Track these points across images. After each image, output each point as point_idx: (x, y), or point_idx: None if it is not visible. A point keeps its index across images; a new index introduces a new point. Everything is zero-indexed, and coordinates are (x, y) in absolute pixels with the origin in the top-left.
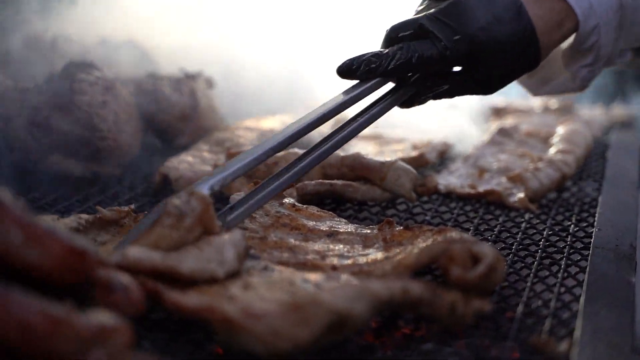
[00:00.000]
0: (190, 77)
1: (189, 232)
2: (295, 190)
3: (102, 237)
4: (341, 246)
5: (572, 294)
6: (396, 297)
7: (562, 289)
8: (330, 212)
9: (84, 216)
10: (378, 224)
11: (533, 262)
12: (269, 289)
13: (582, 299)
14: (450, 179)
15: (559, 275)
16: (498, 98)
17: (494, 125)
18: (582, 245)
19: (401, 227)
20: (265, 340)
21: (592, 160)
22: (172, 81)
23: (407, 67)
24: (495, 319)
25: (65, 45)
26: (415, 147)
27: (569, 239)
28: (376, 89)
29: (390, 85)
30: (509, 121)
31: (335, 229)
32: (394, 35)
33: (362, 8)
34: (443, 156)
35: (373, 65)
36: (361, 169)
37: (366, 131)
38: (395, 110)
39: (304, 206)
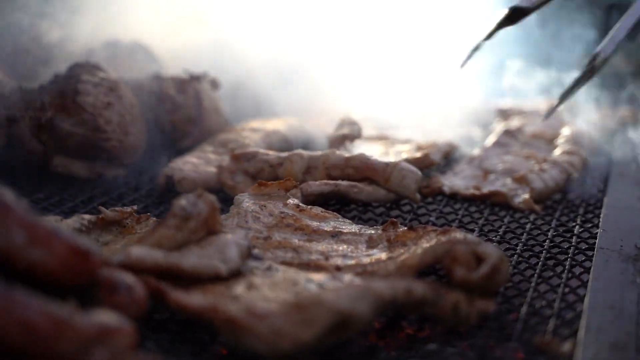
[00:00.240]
0: (195, 79)
1: (193, 234)
2: (299, 190)
3: (104, 237)
4: (345, 246)
5: (577, 295)
6: (400, 297)
7: (567, 290)
8: (334, 213)
9: (87, 217)
10: (382, 225)
11: (537, 263)
12: (273, 289)
13: (586, 300)
14: (455, 180)
15: (563, 275)
16: (503, 100)
17: (499, 126)
18: (587, 246)
19: (405, 228)
20: (268, 340)
21: (597, 162)
22: (176, 82)
23: None
24: (500, 319)
25: (70, 46)
26: (420, 148)
27: (573, 240)
28: None
29: None
30: (514, 123)
31: (339, 230)
32: None
33: (367, 11)
34: (448, 157)
35: None
36: (366, 169)
37: (372, 132)
38: (401, 111)
39: (308, 207)
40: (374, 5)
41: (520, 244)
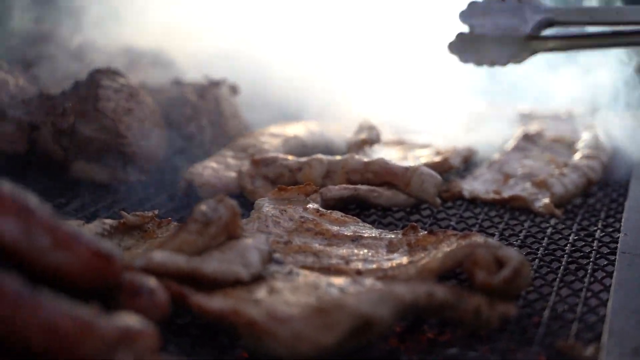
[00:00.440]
0: (215, 84)
1: (214, 239)
2: (319, 195)
3: (126, 241)
4: (365, 251)
5: (599, 299)
6: (421, 301)
7: (589, 294)
8: (354, 217)
9: (108, 221)
10: (402, 229)
11: (559, 267)
12: (294, 293)
13: (609, 304)
14: (475, 185)
15: (585, 280)
16: (523, 104)
17: (519, 131)
18: (609, 250)
19: (425, 232)
20: (289, 344)
21: (618, 165)
22: (196, 88)
23: None
24: (521, 323)
25: (91, 52)
26: (439, 153)
27: (595, 244)
28: None
29: None
30: (533, 127)
31: (360, 234)
32: None
33: (385, 16)
34: (467, 162)
35: None
36: (385, 174)
37: (390, 137)
38: (419, 115)
39: (328, 211)
40: (393, 10)
41: (541, 248)
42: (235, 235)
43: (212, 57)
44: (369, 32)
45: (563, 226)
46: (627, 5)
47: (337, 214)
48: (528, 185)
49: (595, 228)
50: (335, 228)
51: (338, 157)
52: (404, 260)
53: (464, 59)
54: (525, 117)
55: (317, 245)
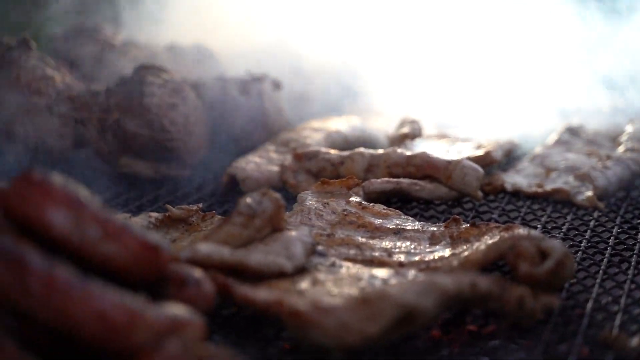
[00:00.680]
0: (257, 80)
1: (258, 231)
2: (361, 188)
3: (171, 234)
4: (408, 243)
5: None
6: (464, 292)
7: (633, 286)
8: (396, 210)
9: (154, 214)
10: (444, 222)
11: (602, 260)
12: (337, 285)
13: None
14: (517, 178)
15: (629, 272)
16: (565, 98)
17: (562, 124)
18: None
19: (468, 225)
20: (335, 334)
21: None
22: (239, 83)
23: None
24: (565, 314)
25: (135, 49)
26: (481, 146)
27: (639, 237)
28: None
29: None
30: (576, 120)
31: (402, 227)
32: None
33: (426, 12)
34: (509, 155)
35: None
36: (427, 167)
37: (432, 131)
38: (461, 109)
39: (371, 204)
40: (433, 6)
41: (584, 241)
42: (279, 227)
43: (254, 53)
44: (411, 27)
45: (606, 219)
46: None
47: (379, 207)
48: (571, 178)
49: (639, 221)
50: (377, 221)
51: (380, 151)
52: (447, 252)
53: None
54: (568, 111)
55: (359, 238)
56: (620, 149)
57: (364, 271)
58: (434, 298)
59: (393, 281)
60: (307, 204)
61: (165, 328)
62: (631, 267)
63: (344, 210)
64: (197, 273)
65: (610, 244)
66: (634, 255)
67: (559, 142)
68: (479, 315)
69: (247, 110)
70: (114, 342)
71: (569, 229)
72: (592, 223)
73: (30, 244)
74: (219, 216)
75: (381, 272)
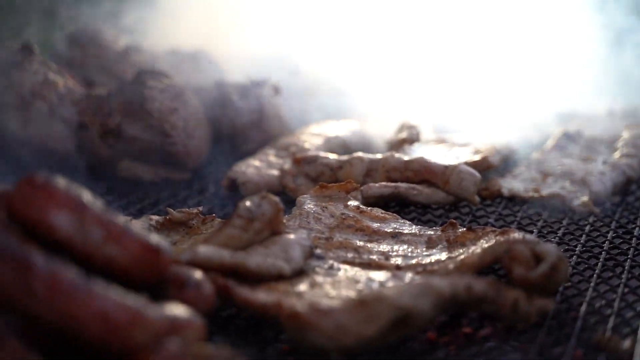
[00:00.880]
0: (257, 85)
1: (257, 234)
2: (360, 192)
3: (172, 237)
4: (405, 247)
5: (636, 295)
6: (460, 294)
7: (626, 290)
8: (394, 214)
9: (155, 217)
10: (441, 226)
11: (597, 264)
12: (335, 287)
13: None
14: (514, 183)
15: (623, 276)
16: (562, 103)
17: (558, 130)
18: None
19: (464, 229)
20: (332, 336)
21: None
22: (239, 88)
23: None
24: (559, 317)
25: (137, 54)
26: (478, 151)
27: (633, 242)
28: None
29: None
30: (573, 126)
31: (399, 231)
32: None
33: (424, 18)
34: (507, 160)
35: None
36: (425, 172)
37: (430, 136)
38: (459, 113)
39: (369, 208)
40: (432, 12)
41: (579, 245)
42: (278, 230)
43: (254, 58)
44: (409, 33)
45: (601, 224)
46: None
47: (377, 211)
48: (567, 183)
49: (634, 226)
50: (375, 225)
51: (378, 156)
52: (443, 256)
53: None
54: (565, 116)
55: (357, 241)
56: (616, 154)
57: (362, 274)
58: (430, 300)
59: (390, 284)
60: (306, 207)
61: (166, 328)
62: (625, 271)
63: (342, 214)
64: (197, 275)
65: (604, 248)
66: (628, 260)
67: (556, 148)
68: (475, 317)
69: (247, 114)
70: (116, 341)
71: (564, 234)
72: (587, 228)
73: (34, 246)
74: (219, 219)
75: (378, 275)
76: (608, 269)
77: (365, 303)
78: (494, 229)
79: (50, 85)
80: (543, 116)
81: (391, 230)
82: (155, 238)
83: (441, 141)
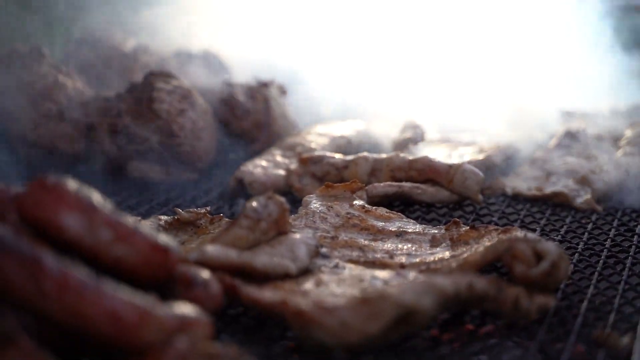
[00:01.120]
0: (264, 85)
1: (264, 234)
2: (365, 192)
3: (180, 237)
4: (409, 245)
5: (636, 292)
6: (462, 293)
7: (626, 286)
8: (398, 214)
9: (164, 217)
10: (445, 225)
11: (598, 262)
12: (340, 286)
13: None
14: (517, 182)
15: (624, 273)
16: (566, 101)
17: (561, 128)
18: None
19: (467, 227)
20: (337, 333)
21: None
22: (246, 89)
23: None
24: (560, 314)
25: (145, 55)
26: (482, 150)
27: (634, 239)
28: None
29: None
30: (576, 124)
31: (404, 229)
32: None
33: (429, 17)
34: (510, 159)
35: None
36: (429, 171)
37: (434, 135)
38: (463, 113)
39: (373, 207)
40: (436, 11)
41: (581, 243)
42: (284, 230)
43: (261, 58)
44: (412, 33)
45: (603, 222)
46: None
47: (382, 210)
48: (570, 181)
49: (636, 223)
50: (380, 224)
51: (383, 155)
52: (447, 254)
53: None
54: (568, 114)
55: (362, 240)
56: (619, 152)
57: (366, 272)
58: (432, 298)
59: (394, 282)
60: (312, 207)
61: (174, 327)
62: (626, 269)
63: (348, 213)
64: (205, 274)
65: (606, 246)
66: (629, 257)
67: (559, 146)
68: (477, 314)
69: (254, 115)
70: (125, 340)
71: (567, 232)
72: (589, 226)
73: (45, 247)
74: (227, 219)
75: (382, 273)
76: (609, 267)
77: (368, 301)
78: (496, 227)
79: (60, 87)
80: (547, 114)
81: (396, 229)
82: (163, 238)
83: (445, 140)
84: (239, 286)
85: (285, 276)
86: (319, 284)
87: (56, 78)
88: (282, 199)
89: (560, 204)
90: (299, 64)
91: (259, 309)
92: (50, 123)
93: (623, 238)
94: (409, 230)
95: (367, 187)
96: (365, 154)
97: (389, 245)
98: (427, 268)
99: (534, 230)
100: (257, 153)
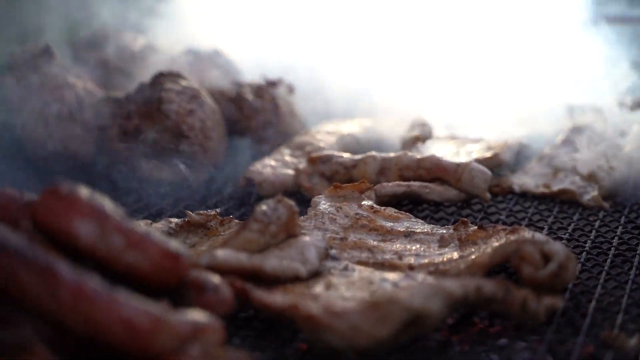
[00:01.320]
0: (272, 84)
1: (274, 237)
2: (373, 192)
3: (190, 239)
4: (418, 246)
5: None
6: (470, 295)
7: (634, 286)
8: (407, 214)
9: (174, 220)
10: (454, 224)
11: (605, 260)
12: (350, 288)
13: None
14: (525, 179)
15: (631, 272)
16: (573, 96)
17: (569, 123)
18: None
19: (475, 227)
20: (347, 337)
21: None
22: (254, 88)
23: None
24: (568, 315)
25: (154, 54)
26: (490, 148)
27: None
28: None
29: None
30: (583, 119)
31: (412, 230)
32: None
33: (436, 14)
34: (518, 155)
35: None
36: (437, 170)
37: (443, 132)
38: (471, 110)
39: (382, 208)
40: (442, 7)
41: (589, 241)
42: (293, 233)
43: (269, 57)
44: (419, 30)
45: (611, 219)
46: None
47: (390, 210)
48: (577, 178)
49: None
50: (389, 224)
51: (391, 154)
52: (455, 255)
53: None
54: (576, 109)
55: (371, 241)
56: (626, 148)
57: (375, 274)
58: (441, 302)
59: (403, 284)
60: (321, 208)
61: (187, 333)
62: (633, 268)
63: (357, 214)
64: (216, 279)
65: (613, 244)
66: (637, 256)
67: (566, 142)
68: (487, 314)
69: (263, 114)
70: (139, 347)
71: (574, 230)
72: (597, 223)
73: (59, 255)
74: (237, 220)
75: (392, 275)
76: (616, 266)
77: (378, 305)
78: (504, 227)
79: (71, 88)
80: (555, 109)
81: (404, 229)
82: (174, 244)
83: (454, 138)
84: (250, 290)
85: (296, 279)
86: (328, 286)
87: (66, 79)
88: (292, 202)
89: (568, 201)
90: (306, 62)
91: (270, 312)
92: (60, 124)
93: (630, 235)
94: (418, 231)
95: (375, 187)
96: (373, 153)
97: (397, 246)
98: (435, 269)
99: (541, 229)
100: (266, 152)
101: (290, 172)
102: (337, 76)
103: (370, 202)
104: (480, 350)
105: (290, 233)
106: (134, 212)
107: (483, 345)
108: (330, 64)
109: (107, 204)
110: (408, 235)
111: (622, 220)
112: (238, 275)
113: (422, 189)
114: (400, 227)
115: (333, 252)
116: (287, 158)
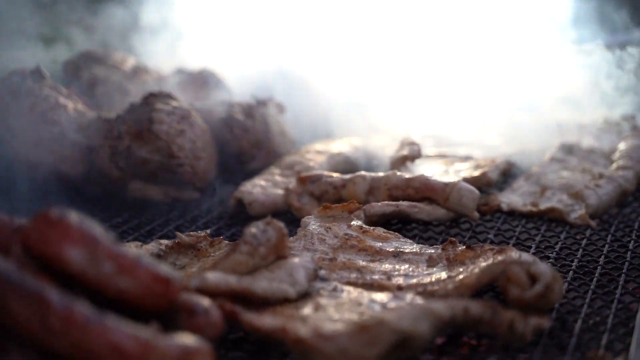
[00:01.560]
0: (262, 104)
1: (263, 259)
2: (363, 212)
3: (181, 260)
4: (406, 266)
5: (630, 310)
6: (458, 317)
7: (620, 305)
8: (395, 233)
9: (164, 242)
10: (442, 244)
11: (592, 279)
12: (338, 310)
13: (638, 315)
14: (513, 197)
15: (617, 292)
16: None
17: (556, 141)
18: None
19: (464, 247)
20: (335, 359)
21: None
22: (244, 108)
23: None
24: (554, 334)
25: (145, 74)
26: (478, 166)
27: (628, 256)
28: None
29: None
30: (571, 137)
31: (401, 250)
32: None
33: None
34: (506, 174)
35: None
36: (426, 190)
37: (432, 150)
38: (460, 128)
39: (371, 228)
40: (431, 27)
41: (575, 260)
42: (283, 255)
43: (259, 77)
44: (408, 50)
45: (597, 237)
46: None
47: (379, 231)
48: (564, 196)
49: (629, 239)
50: (378, 244)
51: (380, 174)
52: (443, 275)
53: None
54: (564, 127)
55: (360, 262)
56: (613, 166)
57: (364, 295)
58: (428, 323)
59: (391, 305)
60: (310, 228)
61: (177, 357)
62: (619, 287)
63: (346, 234)
64: (206, 302)
65: (600, 263)
66: (623, 275)
67: (554, 160)
68: (475, 333)
69: (253, 133)
70: None
71: (561, 248)
72: (584, 242)
73: (50, 280)
74: (227, 241)
75: (380, 296)
76: (603, 285)
77: (366, 328)
78: (492, 247)
79: (61, 109)
80: (543, 127)
81: (393, 249)
82: (164, 268)
83: (442, 156)
84: (240, 313)
85: (285, 300)
86: (317, 308)
87: (57, 100)
88: (281, 224)
89: (555, 219)
90: (296, 81)
91: (260, 334)
92: (51, 145)
93: (616, 254)
94: (406, 251)
95: (364, 207)
96: (362, 172)
97: (386, 266)
98: (424, 290)
99: (529, 248)
100: (257, 171)
101: (280, 192)
102: (327, 95)
103: (359, 222)
104: None
105: (279, 255)
106: (124, 233)
107: None
108: (321, 84)
109: (98, 229)
110: (397, 255)
111: (609, 238)
112: (228, 297)
113: (411, 208)
114: (389, 247)
115: (322, 272)
116: (277, 178)
